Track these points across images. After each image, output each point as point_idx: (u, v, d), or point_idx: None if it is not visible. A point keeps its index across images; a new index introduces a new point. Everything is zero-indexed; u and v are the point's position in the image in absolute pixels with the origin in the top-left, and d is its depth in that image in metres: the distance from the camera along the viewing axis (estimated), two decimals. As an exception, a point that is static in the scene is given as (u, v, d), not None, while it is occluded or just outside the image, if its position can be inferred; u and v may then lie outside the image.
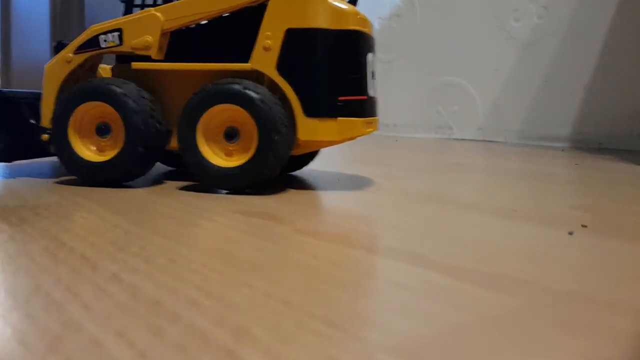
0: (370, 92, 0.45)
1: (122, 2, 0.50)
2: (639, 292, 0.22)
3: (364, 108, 0.44)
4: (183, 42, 0.47)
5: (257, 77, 0.43)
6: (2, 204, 0.37)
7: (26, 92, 0.50)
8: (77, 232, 0.30)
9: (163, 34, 0.44)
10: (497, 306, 0.20)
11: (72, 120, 0.44)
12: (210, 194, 0.42)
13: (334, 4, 0.43)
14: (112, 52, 0.46)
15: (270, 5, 0.43)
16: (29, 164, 0.57)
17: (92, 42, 0.46)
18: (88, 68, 0.48)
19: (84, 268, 0.23)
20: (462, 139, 1.30)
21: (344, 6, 0.43)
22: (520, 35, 1.22)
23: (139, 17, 0.45)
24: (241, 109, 0.41)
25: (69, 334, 0.17)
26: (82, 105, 0.44)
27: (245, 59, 0.43)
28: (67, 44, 0.48)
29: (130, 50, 0.45)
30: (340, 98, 0.43)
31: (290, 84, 0.42)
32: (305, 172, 0.57)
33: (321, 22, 0.43)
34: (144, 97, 0.43)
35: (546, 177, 0.59)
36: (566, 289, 0.22)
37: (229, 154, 0.43)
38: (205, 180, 0.43)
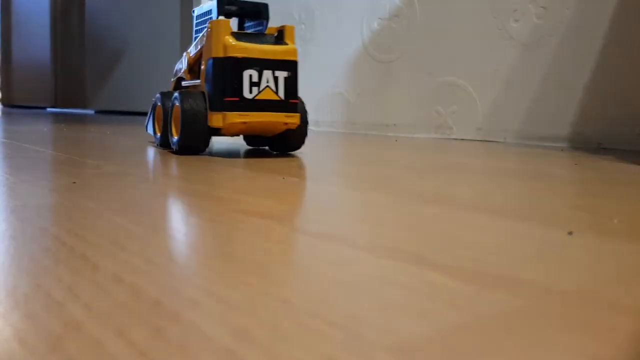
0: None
1: None
2: (639, 292, 0.22)
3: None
4: None
5: None
6: (3, 204, 0.37)
7: None
8: (78, 232, 0.30)
9: None
10: (496, 306, 0.20)
11: None
12: (210, 194, 0.42)
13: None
14: None
15: None
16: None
17: None
18: None
19: (85, 268, 0.23)
20: (462, 139, 1.30)
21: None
22: (520, 35, 1.22)
23: None
24: None
25: (69, 333, 0.17)
26: None
27: None
28: None
29: None
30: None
31: None
32: (305, 171, 0.57)
33: None
34: None
35: (545, 177, 0.59)
36: (566, 289, 0.22)
37: None
38: None
